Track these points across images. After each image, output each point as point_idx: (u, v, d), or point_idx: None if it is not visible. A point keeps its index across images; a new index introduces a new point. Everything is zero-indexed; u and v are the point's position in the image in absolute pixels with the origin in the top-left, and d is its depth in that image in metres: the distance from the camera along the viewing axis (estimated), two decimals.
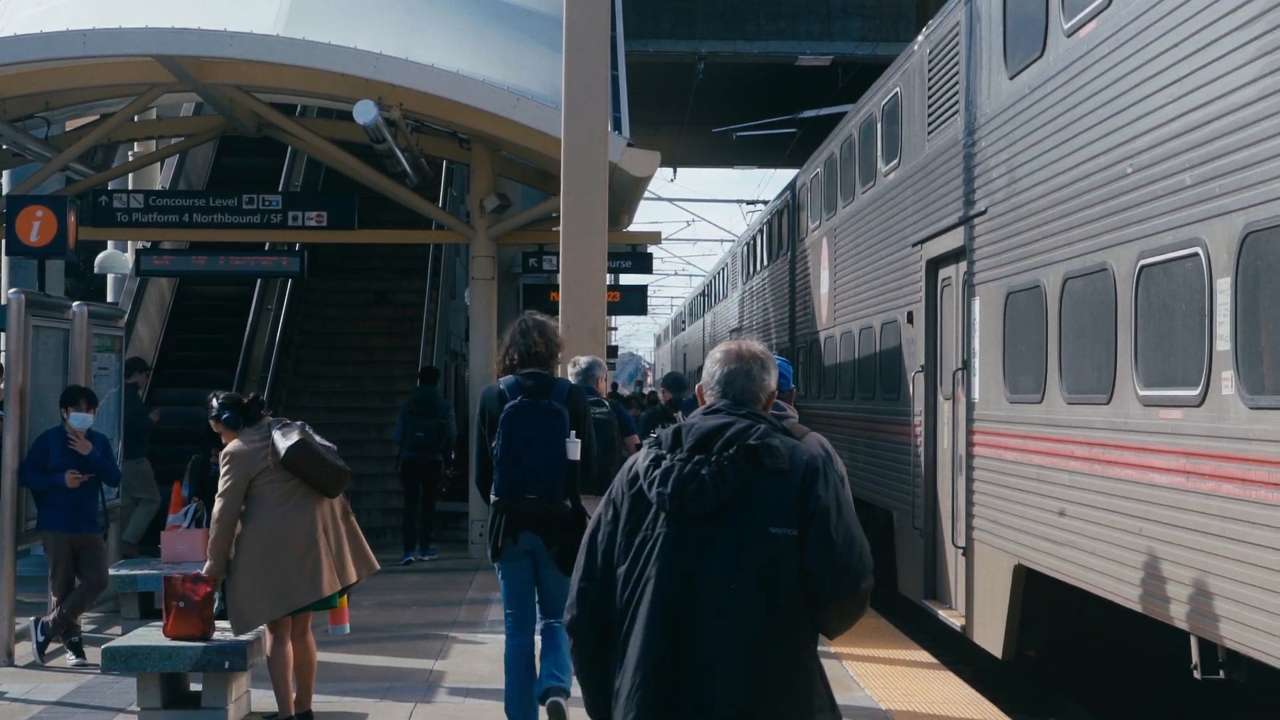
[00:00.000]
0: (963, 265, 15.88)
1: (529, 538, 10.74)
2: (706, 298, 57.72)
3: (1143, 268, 10.85)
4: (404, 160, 23.55)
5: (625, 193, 22.76)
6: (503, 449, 10.60)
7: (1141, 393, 10.87)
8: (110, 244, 30.19)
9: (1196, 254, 9.93)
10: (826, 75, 42.41)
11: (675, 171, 62.71)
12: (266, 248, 26.93)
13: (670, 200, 67.81)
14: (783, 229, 31.91)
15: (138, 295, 28.40)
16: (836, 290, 24.28)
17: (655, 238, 25.81)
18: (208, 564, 11.37)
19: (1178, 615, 10.39)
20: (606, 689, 5.70)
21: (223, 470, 11.35)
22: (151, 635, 11.99)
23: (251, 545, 11.20)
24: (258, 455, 11.28)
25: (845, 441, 22.85)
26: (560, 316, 16.18)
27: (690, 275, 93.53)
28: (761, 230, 36.34)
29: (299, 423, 11.61)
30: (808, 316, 27.74)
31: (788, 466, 5.56)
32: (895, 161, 19.51)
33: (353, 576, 11.50)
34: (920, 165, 17.95)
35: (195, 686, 12.08)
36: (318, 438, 11.51)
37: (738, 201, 64.85)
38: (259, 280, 29.35)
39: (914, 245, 18.07)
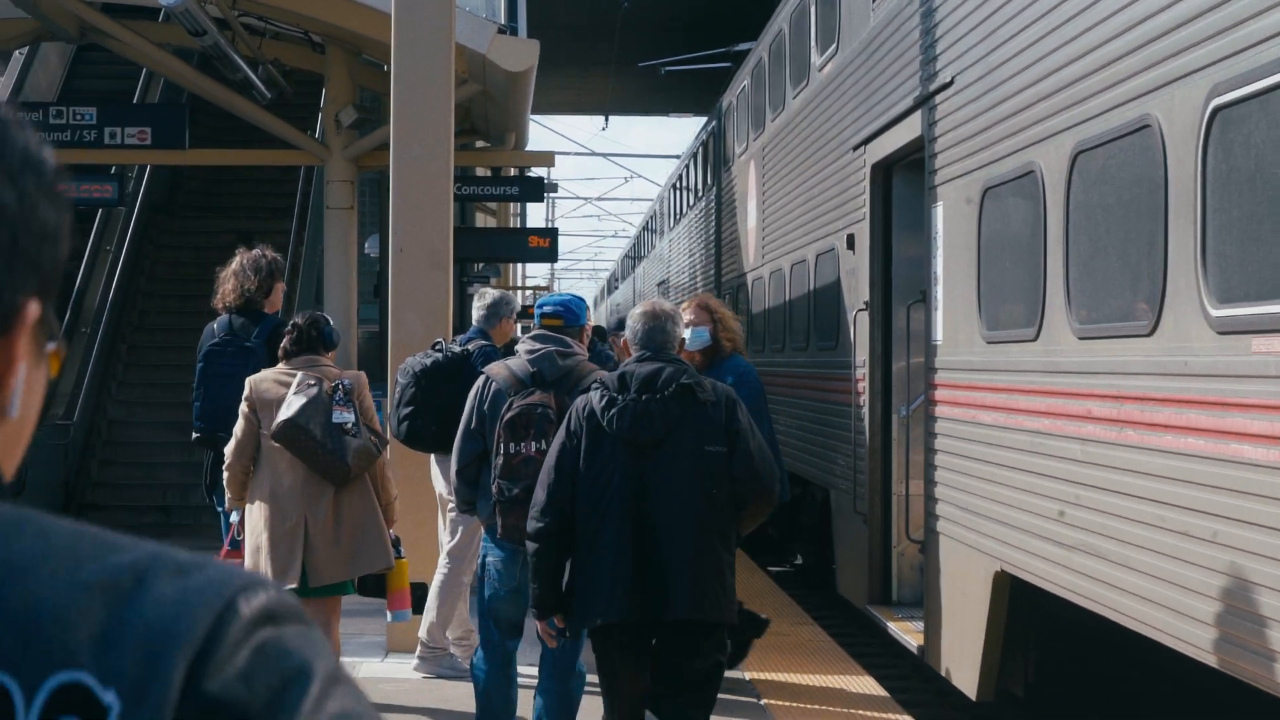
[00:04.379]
0: (920, 162, 11.88)
1: None
2: (634, 256, 53.99)
3: (1218, 110, 6.78)
4: (245, 67, 19.50)
5: (505, 98, 18.74)
6: (196, 386, 10.87)
7: (1215, 313, 6.81)
8: None
9: None
10: (765, 4, 38.37)
11: (607, 120, 58.78)
12: (113, 170, 22.84)
13: (605, 156, 64.71)
14: (708, 162, 27.91)
15: None
16: (765, 222, 20.25)
17: (547, 159, 21.74)
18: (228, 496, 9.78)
19: (1266, 671, 6.35)
20: (559, 582, 7.43)
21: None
22: None
23: (253, 507, 9.55)
24: (272, 398, 9.46)
25: (777, 404, 18.85)
26: (390, 236, 12.29)
27: (631, 236, 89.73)
28: (686, 167, 32.36)
29: (352, 375, 9.64)
30: (734, 258, 23.76)
31: (714, 398, 7.37)
32: (833, 49, 15.47)
33: (324, 578, 9.40)
34: (864, 44, 13.93)
35: None
36: (343, 407, 9.42)
37: (676, 157, 60.95)
38: (98, 215, 25.10)
39: (855, 149, 14.04)
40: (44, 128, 19.68)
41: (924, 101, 11.57)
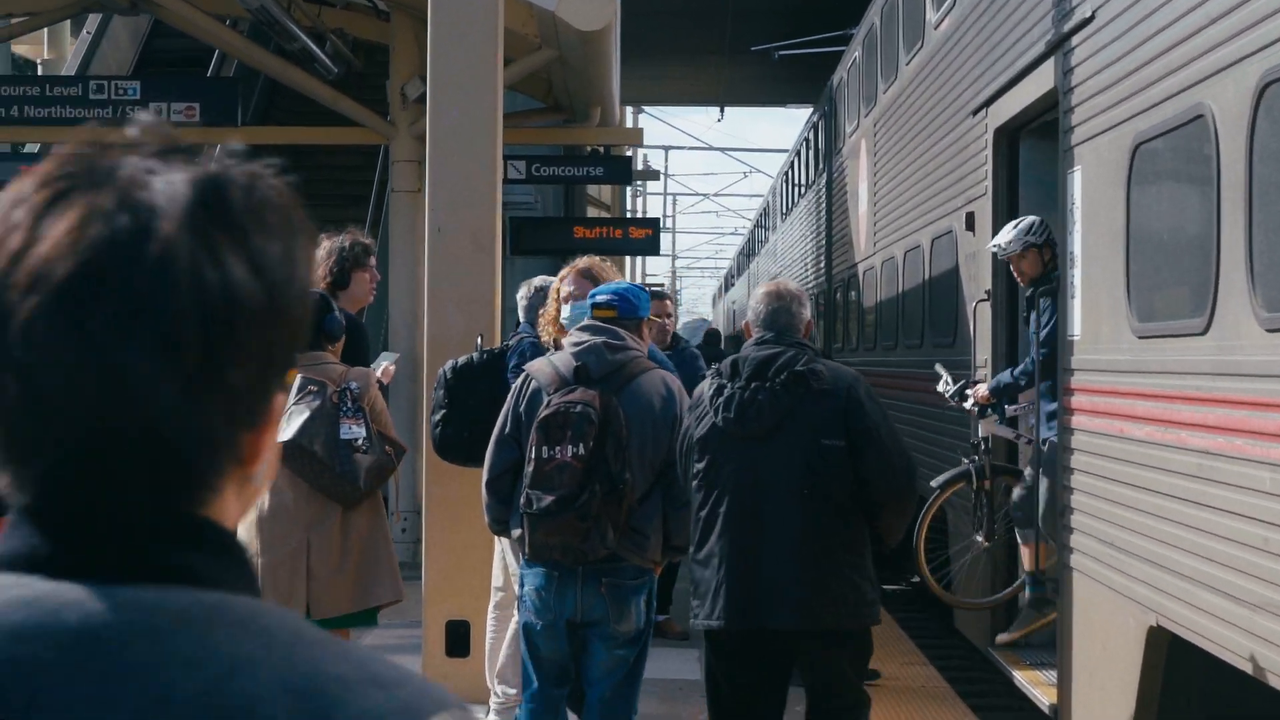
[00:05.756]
0: (1050, 125, 9.92)
1: None
2: (748, 253, 52.59)
3: None
4: (303, 37, 17.82)
5: (584, 65, 16.78)
6: None
7: None
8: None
9: None
10: None
11: (722, 111, 57.22)
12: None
13: (723, 150, 63.66)
14: (817, 146, 26.05)
15: None
16: (877, 206, 18.29)
17: (634, 136, 19.84)
18: None
19: None
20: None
21: None
22: None
23: (249, 526, 8.10)
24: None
25: (888, 407, 16.82)
26: (427, 214, 10.57)
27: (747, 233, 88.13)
28: (796, 155, 30.54)
29: (359, 374, 8.29)
30: (845, 248, 21.81)
31: (831, 387, 6.83)
32: (950, 1, 13.48)
33: (327, 610, 8.06)
34: None
35: None
36: (352, 418, 8.12)
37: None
38: None
39: (975, 113, 12.03)
40: (83, 103, 18.08)
41: (1058, 46, 9.54)
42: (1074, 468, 9.12)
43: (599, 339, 7.19)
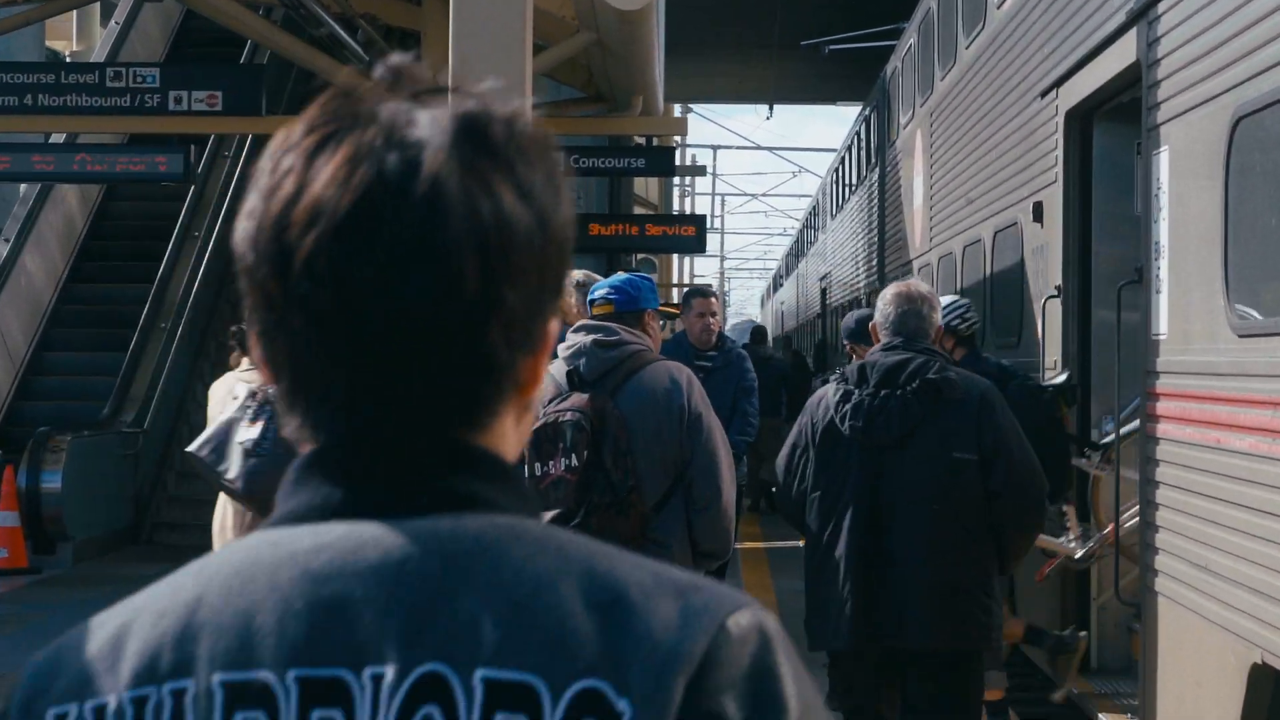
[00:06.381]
0: (1127, 107, 9.09)
1: None
2: (797, 253, 51.88)
3: None
4: (330, 22, 17.06)
5: (624, 49, 15.97)
6: None
7: None
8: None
9: None
10: None
11: (771, 108, 56.58)
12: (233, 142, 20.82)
13: (772, 150, 63.17)
14: (869, 140, 25.22)
15: (28, 219, 21.77)
16: (933, 199, 17.41)
17: (677, 125, 19.02)
18: None
19: None
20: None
21: None
22: None
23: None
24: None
25: None
26: None
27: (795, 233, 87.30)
28: (847, 150, 29.72)
29: None
30: (899, 245, 20.94)
31: (964, 397, 6.60)
32: None
33: None
34: None
35: None
36: (252, 421, 8.04)
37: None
38: (189, 194, 22.76)
39: (1044, 95, 11.13)
40: (100, 91, 17.34)
41: (1142, 14, 8.62)
42: (1160, 481, 8.21)
43: (590, 338, 6.62)
